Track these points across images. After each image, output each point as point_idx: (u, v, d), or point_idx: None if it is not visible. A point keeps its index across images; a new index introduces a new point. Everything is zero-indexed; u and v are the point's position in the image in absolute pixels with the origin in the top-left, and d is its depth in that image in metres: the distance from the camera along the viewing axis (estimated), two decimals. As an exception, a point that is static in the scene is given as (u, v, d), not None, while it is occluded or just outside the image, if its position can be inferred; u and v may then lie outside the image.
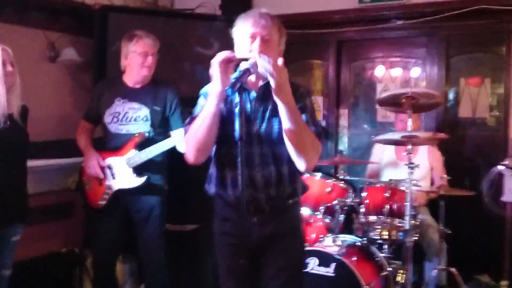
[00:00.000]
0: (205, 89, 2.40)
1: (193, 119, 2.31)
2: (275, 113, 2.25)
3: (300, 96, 2.29)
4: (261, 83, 2.31)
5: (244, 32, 2.25)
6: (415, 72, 4.81)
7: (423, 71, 4.77)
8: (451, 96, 4.64)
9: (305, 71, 5.31)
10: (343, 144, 5.13)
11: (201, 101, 2.40)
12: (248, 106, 2.30)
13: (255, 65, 2.18)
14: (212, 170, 2.38)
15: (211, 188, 2.39)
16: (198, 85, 4.41)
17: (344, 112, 5.11)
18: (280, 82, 2.06)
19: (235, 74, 2.19)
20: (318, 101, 5.15)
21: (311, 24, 4.91)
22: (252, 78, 2.29)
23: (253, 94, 2.31)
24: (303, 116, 2.24)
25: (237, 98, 2.14)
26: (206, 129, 2.18)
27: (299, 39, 5.05)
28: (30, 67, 4.00)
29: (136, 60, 3.32)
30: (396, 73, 4.91)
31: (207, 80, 4.40)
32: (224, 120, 2.30)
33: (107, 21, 4.21)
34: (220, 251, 2.45)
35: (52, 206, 4.15)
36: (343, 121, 5.12)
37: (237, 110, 2.16)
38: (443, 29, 4.54)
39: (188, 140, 2.27)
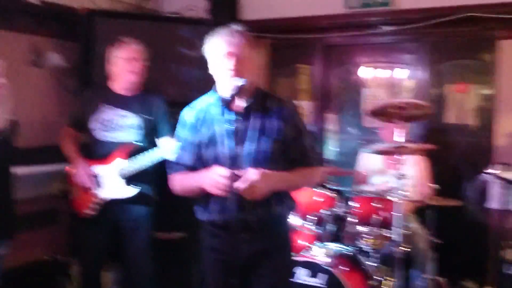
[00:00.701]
0: (185, 117, 2.41)
1: (173, 164, 2.41)
2: (263, 132, 2.28)
3: (291, 116, 2.34)
4: (244, 104, 2.30)
5: (218, 51, 2.27)
6: (402, 78, 4.83)
7: (410, 77, 4.79)
8: (437, 102, 4.65)
9: (292, 75, 5.30)
10: (330, 149, 5.12)
11: (180, 130, 2.43)
12: (232, 127, 2.28)
13: (246, 82, 2.21)
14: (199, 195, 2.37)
15: (203, 216, 2.39)
16: (184, 87, 4.46)
17: (331, 116, 5.11)
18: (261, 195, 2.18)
19: (230, 93, 2.19)
20: (305, 105, 5.15)
21: (298, 29, 4.91)
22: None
23: (236, 115, 2.30)
24: (304, 144, 2.35)
25: (232, 116, 2.13)
26: (194, 195, 2.38)
27: (286, 43, 5.07)
28: (14, 72, 3.92)
29: (122, 65, 3.29)
30: (383, 78, 4.92)
31: (193, 82, 4.41)
32: (211, 141, 2.30)
33: (93, 26, 4.17)
34: (208, 267, 2.44)
35: (36, 213, 4.09)
36: (330, 126, 5.12)
37: (227, 127, 2.16)
38: (429, 35, 4.57)
39: (173, 187, 2.44)
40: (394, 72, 4.88)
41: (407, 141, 3.87)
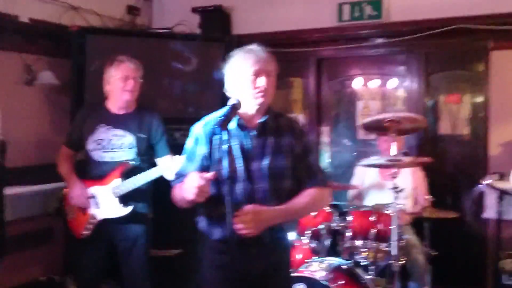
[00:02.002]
0: (196, 131, 2.37)
1: (178, 175, 2.36)
2: (279, 149, 2.30)
3: (300, 134, 2.37)
4: (259, 120, 2.31)
5: (247, 69, 2.25)
6: (395, 89, 4.85)
7: (403, 88, 4.80)
8: (430, 113, 4.66)
9: (285, 88, 5.30)
10: (325, 161, 5.13)
11: (189, 143, 2.39)
12: (249, 143, 2.29)
13: (240, 102, 2.22)
14: (205, 211, 2.34)
15: (208, 231, 2.35)
16: (177, 102, 4.46)
17: (325, 129, 5.12)
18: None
19: (223, 112, 2.19)
20: (299, 118, 5.14)
21: (291, 43, 4.92)
22: (249, 112, 2.30)
23: (252, 131, 2.30)
24: (310, 162, 2.35)
25: (225, 136, 2.11)
26: (186, 206, 2.28)
27: (279, 57, 4.87)
28: (7, 91, 3.92)
29: (117, 84, 3.26)
30: (376, 90, 4.93)
31: (186, 97, 4.40)
32: (224, 157, 2.25)
33: (85, 43, 4.16)
34: (214, 285, 2.37)
35: (31, 233, 4.07)
36: (324, 138, 5.13)
37: (224, 147, 2.14)
38: (421, 47, 4.59)
39: (175, 197, 2.35)
40: (387, 84, 4.90)
41: (402, 153, 3.88)
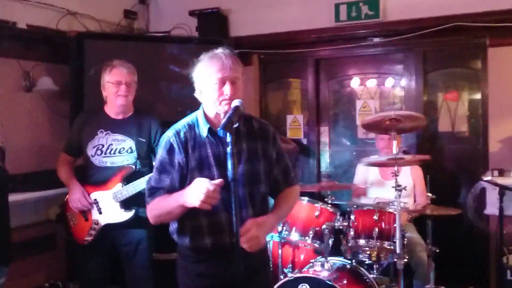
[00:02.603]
0: (168, 139, 2.31)
1: (153, 190, 2.30)
2: (252, 154, 2.29)
3: (273, 137, 2.38)
4: (232, 126, 2.27)
5: (212, 76, 2.21)
6: (393, 88, 4.86)
7: (401, 87, 4.82)
8: (430, 111, 4.67)
9: (284, 89, 5.32)
10: (325, 161, 5.13)
11: (161, 153, 2.32)
12: (221, 150, 2.24)
13: (241, 103, 2.19)
14: (181, 221, 2.30)
15: (184, 241, 2.31)
16: (175, 106, 4.45)
17: (324, 129, 5.12)
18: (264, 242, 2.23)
19: (227, 115, 2.16)
20: (299, 119, 5.15)
21: (288, 44, 4.93)
22: (219, 118, 2.26)
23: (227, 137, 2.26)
24: (286, 163, 2.41)
25: (228, 138, 2.10)
26: (171, 219, 2.29)
27: (277, 58, 5.10)
28: (5, 98, 3.91)
29: (111, 89, 3.26)
30: (375, 89, 4.94)
31: (184, 100, 4.40)
32: (201, 164, 2.25)
33: (83, 48, 4.15)
34: None
35: (33, 239, 4.05)
36: (324, 138, 5.13)
37: (229, 149, 2.12)
38: (419, 45, 4.61)
39: (149, 214, 2.32)
40: (385, 83, 4.90)
41: (402, 151, 3.89)
